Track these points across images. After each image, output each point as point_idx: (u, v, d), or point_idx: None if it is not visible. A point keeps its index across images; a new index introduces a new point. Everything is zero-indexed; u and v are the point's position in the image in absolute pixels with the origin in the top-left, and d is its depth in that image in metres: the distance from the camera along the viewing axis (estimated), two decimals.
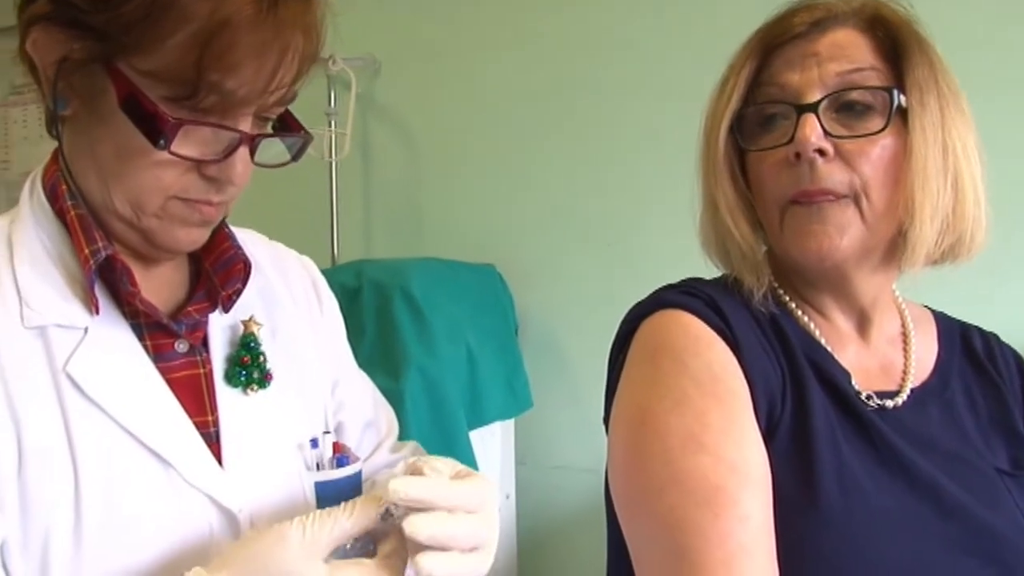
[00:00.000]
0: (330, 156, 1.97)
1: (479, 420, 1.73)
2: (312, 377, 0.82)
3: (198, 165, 0.65)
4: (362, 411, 0.88)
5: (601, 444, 0.73)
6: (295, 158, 0.72)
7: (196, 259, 0.77)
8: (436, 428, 1.60)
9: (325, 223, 2.05)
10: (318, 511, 0.61)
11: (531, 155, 1.94)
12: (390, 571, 0.61)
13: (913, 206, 0.70)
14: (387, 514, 0.61)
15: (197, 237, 0.70)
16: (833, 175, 0.69)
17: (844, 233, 0.70)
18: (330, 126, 1.96)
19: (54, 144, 0.70)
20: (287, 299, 0.83)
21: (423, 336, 1.65)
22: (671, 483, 0.63)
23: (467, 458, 1.63)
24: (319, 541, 0.60)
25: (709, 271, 0.81)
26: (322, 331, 0.85)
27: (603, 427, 0.76)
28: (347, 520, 0.60)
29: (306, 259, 0.89)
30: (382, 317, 1.65)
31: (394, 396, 0.96)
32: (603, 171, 1.87)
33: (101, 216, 0.68)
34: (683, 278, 0.80)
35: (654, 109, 1.80)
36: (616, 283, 1.84)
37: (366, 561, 0.61)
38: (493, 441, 1.82)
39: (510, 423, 1.88)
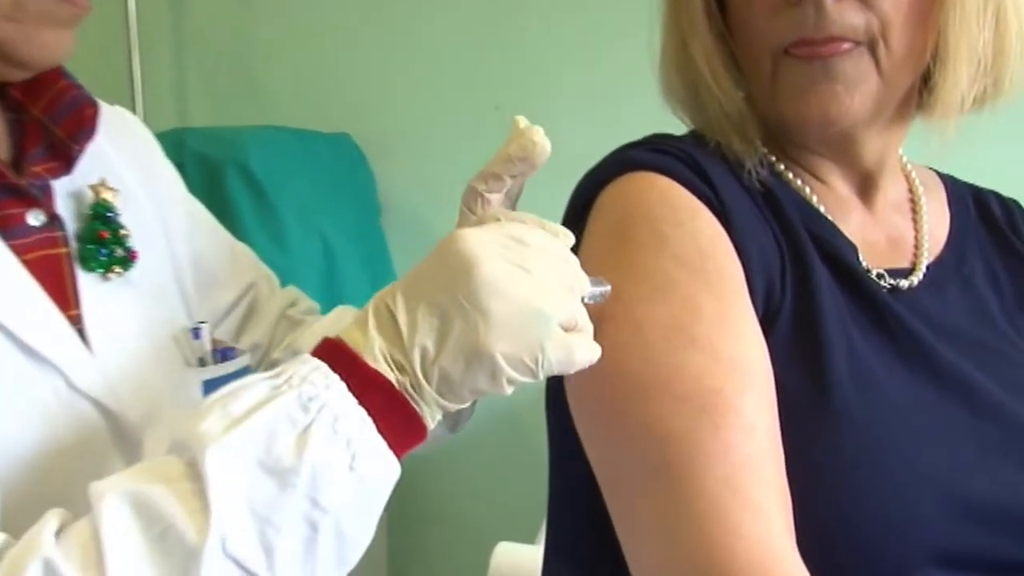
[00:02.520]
0: None
1: None
2: (170, 254, 0.81)
3: None
4: (237, 276, 0.90)
5: None
6: None
7: (14, 107, 0.71)
8: None
9: (122, 82, 1.90)
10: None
11: None
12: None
13: (946, 50, 0.67)
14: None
15: (68, 43, 0.66)
16: (845, 17, 0.65)
17: (856, 90, 0.67)
18: None
19: None
20: (115, 158, 0.79)
21: (267, 223, 1.61)
22: (657, 387, 0.60)
23: None
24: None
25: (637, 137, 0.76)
26: (162, 196, 0.83)
27: None
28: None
29: (119, 108, 0.85)
30: (213, 200, 1.52)
31: None
32: (490, 14, 1.80)
33: None
34: (643, 136, 0.74)
35: None
36: None
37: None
38: None
39: None
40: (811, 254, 0.68)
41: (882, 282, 0.71)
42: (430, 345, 0.54)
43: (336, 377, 0.54)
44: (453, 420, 0.83)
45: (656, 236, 0.64)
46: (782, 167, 0.73)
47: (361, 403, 0.53)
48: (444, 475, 1.93)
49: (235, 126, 1.79)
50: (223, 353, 0.81)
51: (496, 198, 0.65)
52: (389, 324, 0.55)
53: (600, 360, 0.61)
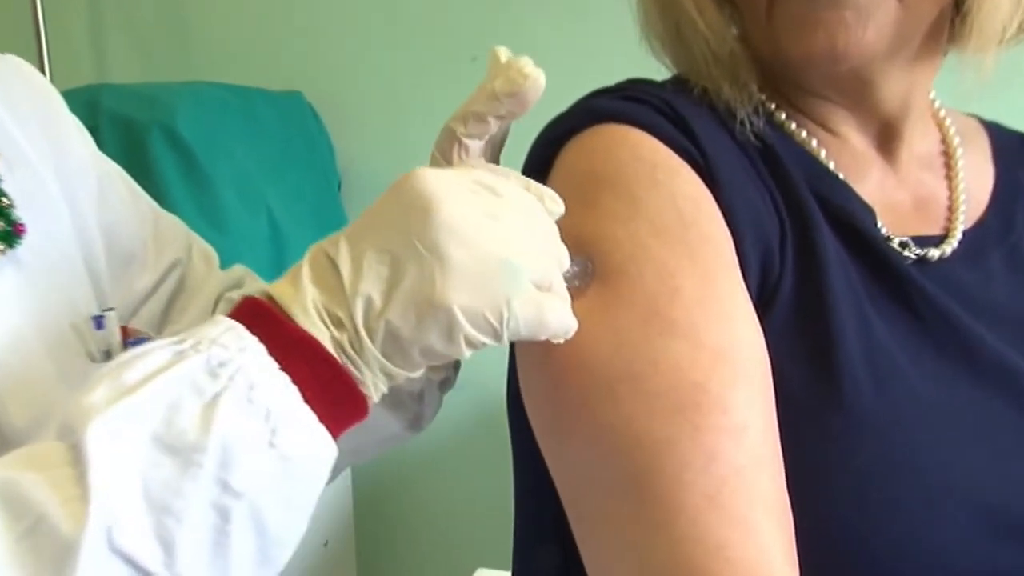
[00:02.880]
0: None
1: None
2: (76, 229, 0.80)
3: None
4: (164, 247, 0.88)
5: None
6: None
7: None
8: None
9: (25, 29, 1.87)
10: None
11: None
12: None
13: None
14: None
15: None
16: None
17: (869, 18, 0.66)
18: None
19: None
20: (6, 116, 0.77)
21: (200, 197, 1.58)
22: (626, 381, 0.59)
23: None
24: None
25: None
26: (66, 161, 0.81)
27: None
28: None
29: (11, 57, 0.85)
30: (134, 170, 1.51)
31: None
32: None
33: None
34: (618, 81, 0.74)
35: None
36: None
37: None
38: None
39: None
40: (817, 220, 0.67)
41: (906, 252, 0.70)
42: (376, 295, 0.54)
43: (253, 339, 0.53)
44: (415, 414, 0.83)
45: (627, 200, 0.63)
46: (783, 116, 0.73)
47: (284, 368, 0.52)
48: (415, 488, 1.94)
49: (161, 82, 1.77)
50: (136, 343, 0.77)
51: (476, 146, 0.64)
52: (328, 273, 0.55)
53: (557, 348, 0.60)
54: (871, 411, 0.62)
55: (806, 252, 0.66)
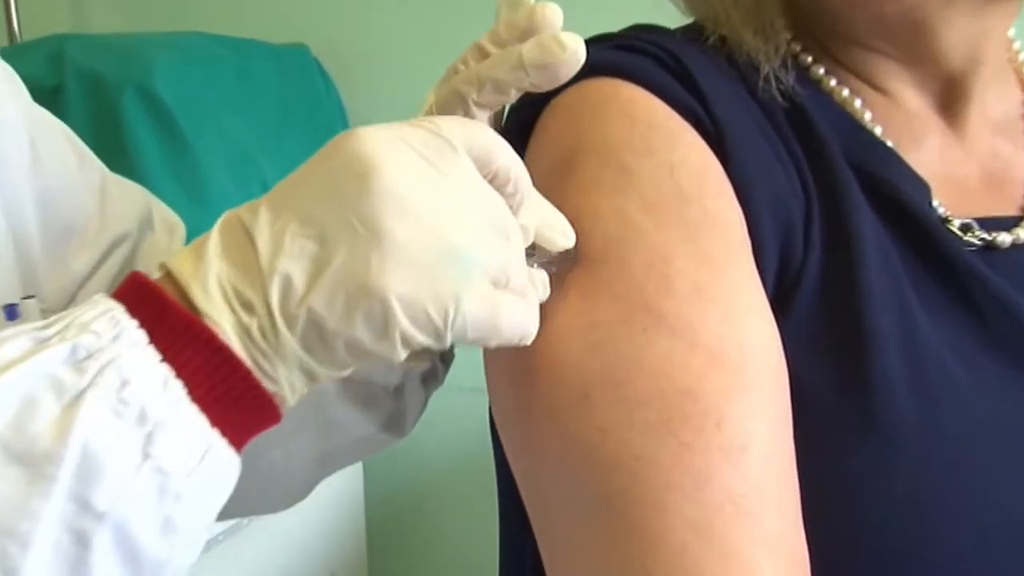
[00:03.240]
0: None
1: None
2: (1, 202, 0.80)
3: None
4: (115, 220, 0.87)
5: None
6: None
7: None
8: None
9: None
10: None
11: None
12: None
13: None
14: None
15: None
16: None
17: None
18: None
19: None
20: None
21: (181, 168, 1.59)
22: (603, 386, 0.59)
23: None
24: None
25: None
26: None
27: None
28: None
29: None
30: (103, 137, 1.56)
31: None
32: None
33: None
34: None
35: None
36: None
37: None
38: None
39: None
40: (854, 196, 0.66)
41: (968, 236, 0.69)
42: (298, 275, 0.52)
43: (133, 323, 0.51)
44: (392, 414, 0.83)
45: (615, 169, 0.63)
46: (821, 71, 0.72)
47: (168, 360, 0.51)
48: (437, 517, 1.97)
49: (140, 33, 1.78)
50: None
51: (486, 116, 0.64)
52: (242, 246, 0.53)
53: (525, 347, 0.60)
54: (910, 429, 0.61)
55: (837, 235, 0.65)
